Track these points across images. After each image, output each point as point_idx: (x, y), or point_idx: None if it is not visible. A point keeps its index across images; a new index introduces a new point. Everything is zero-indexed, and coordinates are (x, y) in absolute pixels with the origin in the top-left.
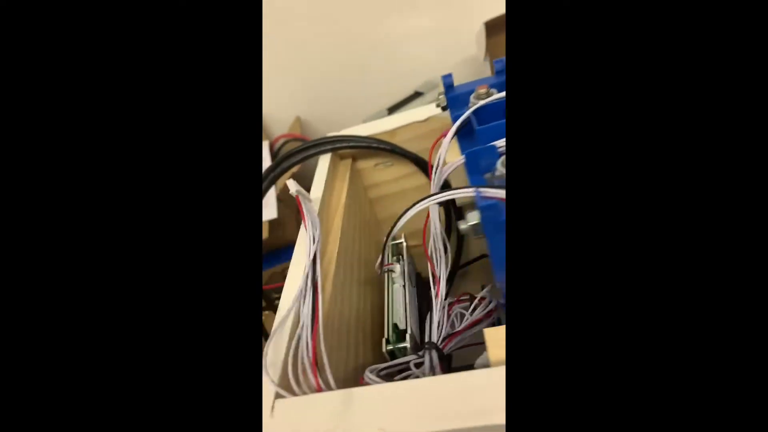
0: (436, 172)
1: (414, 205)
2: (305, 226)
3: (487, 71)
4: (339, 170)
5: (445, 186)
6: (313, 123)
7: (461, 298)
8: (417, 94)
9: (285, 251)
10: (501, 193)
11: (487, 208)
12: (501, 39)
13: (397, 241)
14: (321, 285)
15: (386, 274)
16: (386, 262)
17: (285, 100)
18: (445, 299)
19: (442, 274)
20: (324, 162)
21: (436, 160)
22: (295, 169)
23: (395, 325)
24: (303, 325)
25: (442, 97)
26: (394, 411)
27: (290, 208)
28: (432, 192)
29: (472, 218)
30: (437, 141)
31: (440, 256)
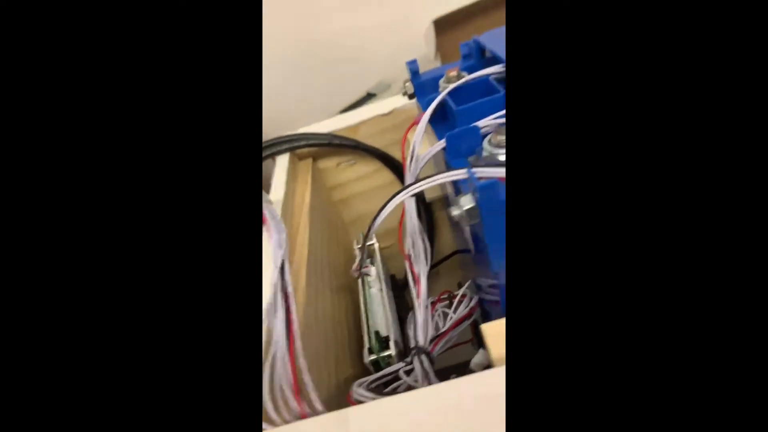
0: (411, 162)
1: (395, 196)
2: (268, 232)
3: None
4: (299, 171)
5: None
6: (268, 124)
7: (441, 297)
8: (369, 96)
9: None
10: (500, 172)
11: (484, 188)
12: (450, 36)
13: (369, 243)
14: (293, 294)
15: (361, 279)
16: (363, 265)
17: None
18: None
19: (423, 271)
20: (282, 163)
21: (411, 148)
22: None
23: (377, 333)
24: (277, 343)
25: (408, 84)
26: (400, 430)
27: None
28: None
29: (466, 202)
30: (409, 129)
31: (419, 253)
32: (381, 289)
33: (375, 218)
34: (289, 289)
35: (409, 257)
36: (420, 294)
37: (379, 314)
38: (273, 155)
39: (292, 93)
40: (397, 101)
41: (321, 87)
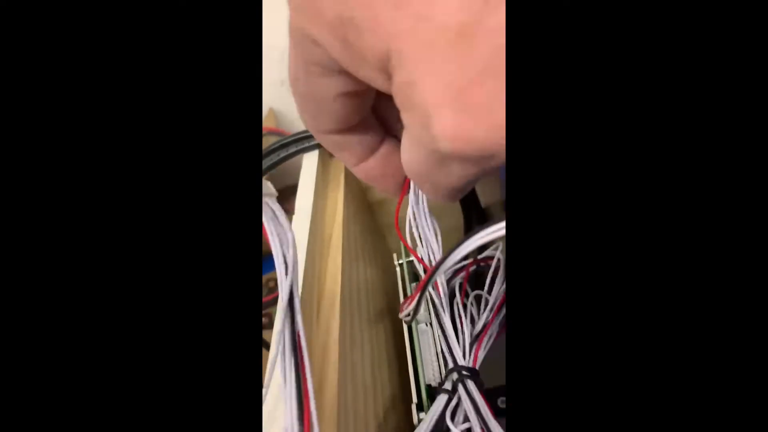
0: None
1: (474, 233)
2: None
3: None
4: (331, 171)
5: None
6: (290, 115)
7: (464, 267)
8: None
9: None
10: None
11: None
12: None
13: (410, 259)
14: (306, 345)
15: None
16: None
17: None
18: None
19: (434, 257)
20: (310, 162)
21: None
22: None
23: (428, 387)
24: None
25: None
26: None
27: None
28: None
29: None
30: None
31: (427, 238)
32: (430, 323)
33: (442, 261)
34: (302, 336)
35: (415, 251)
36: (440, 290)
37: (431, 359)
38: (299, 152)
39: None
40: None
41: None
